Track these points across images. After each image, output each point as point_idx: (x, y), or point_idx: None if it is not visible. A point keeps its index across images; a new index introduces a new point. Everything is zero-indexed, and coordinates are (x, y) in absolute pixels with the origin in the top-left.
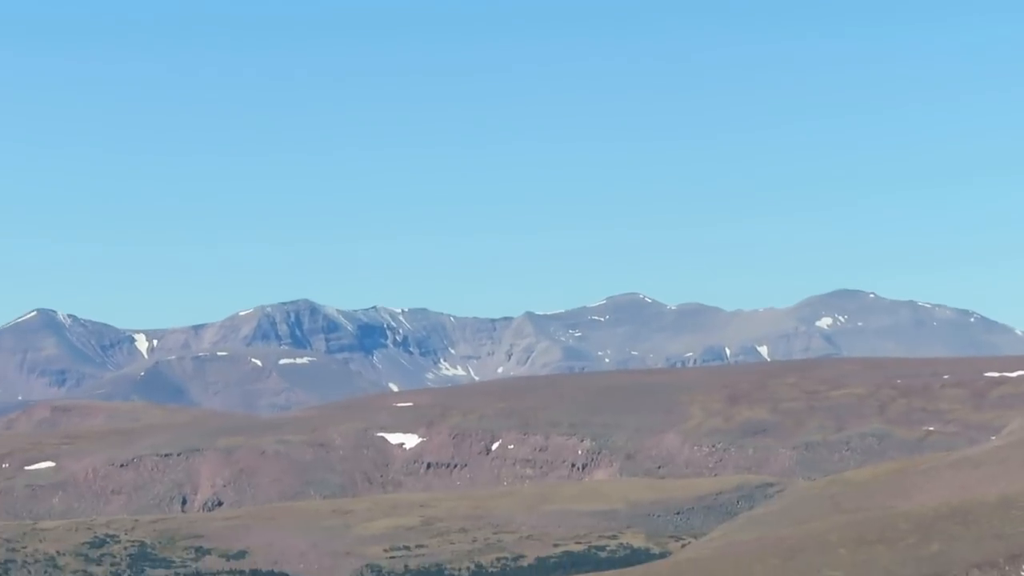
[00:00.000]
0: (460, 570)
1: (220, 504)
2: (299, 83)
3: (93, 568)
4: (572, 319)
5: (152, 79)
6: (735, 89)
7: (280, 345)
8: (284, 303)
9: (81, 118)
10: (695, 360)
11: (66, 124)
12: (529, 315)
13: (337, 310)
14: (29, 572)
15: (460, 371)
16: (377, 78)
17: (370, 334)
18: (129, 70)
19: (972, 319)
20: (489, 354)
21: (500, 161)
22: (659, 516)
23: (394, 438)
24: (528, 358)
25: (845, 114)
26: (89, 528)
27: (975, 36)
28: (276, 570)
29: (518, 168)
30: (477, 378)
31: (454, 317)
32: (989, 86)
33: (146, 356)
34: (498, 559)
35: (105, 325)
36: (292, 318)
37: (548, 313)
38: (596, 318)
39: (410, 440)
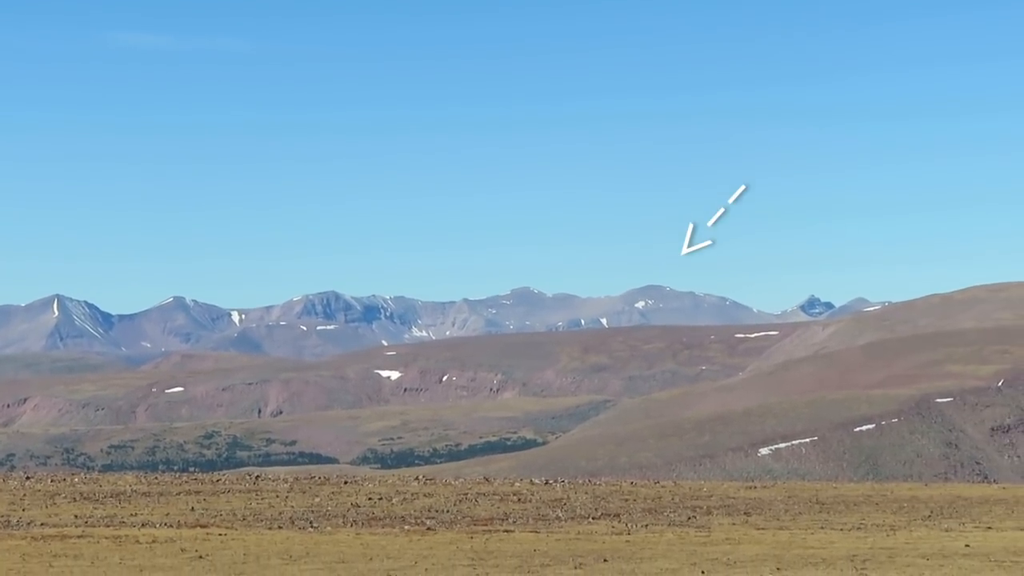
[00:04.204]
0: (424, 452)
1: (281, 412)
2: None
3: (205, 451)
4: (490, 302)
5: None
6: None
7: (318, 318)
8: (321, 292)
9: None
10: (563, 327)
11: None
12: (465, 300)
13: (351, 297)
14: (167, 454)
15: (424, 334)
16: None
17: (371, 311)
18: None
19: (728, 302)
20: (441, 323)
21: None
22: (542, 420)
23: (384, 373)
24: (464, 326)
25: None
26: (203, 427)
27: None
28: (314, 452)
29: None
30: (434, 338)
31: (421, 301)
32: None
33: (238, 324)
34: (446, 445)
35: (213, 306)
36: (325, 301)
37: (476, 299)
38: (505, 302)
39: (394, 375)
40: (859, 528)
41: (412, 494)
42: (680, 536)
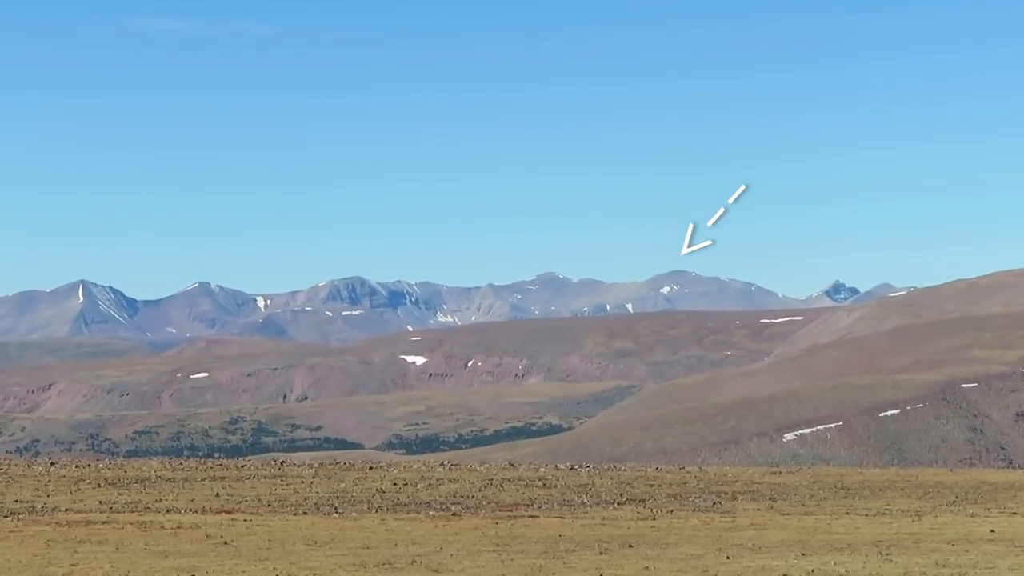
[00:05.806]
0: (449, 437)
1: (307, 398)
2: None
3: (230, 437)
4: (516, 288)
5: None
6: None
7: (343, 303)
8: (346, 277)
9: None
10: (588, 312)
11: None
12: (491, 285)
13: (377, 282)
14: (192, 439)
15: (449, 319)
16: None
17: (396, 297)
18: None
19: (753, 287)
20: (466, 309)
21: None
22: (567, 405)
23: (409, 358)
24: (490, 311)
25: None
26: (228, 412)
27: None
28: (340, 437)
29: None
30: (459, 323)
31: (446, 286)
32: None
33: (263, 310)
34: (471, 431)
35: (238, 291)
36: (350, 287)
37: (501, 284)
38: (530, 287)
39: (419, 360)
40: (884, 513)
41: (437, 480)
42: (705, 522)
